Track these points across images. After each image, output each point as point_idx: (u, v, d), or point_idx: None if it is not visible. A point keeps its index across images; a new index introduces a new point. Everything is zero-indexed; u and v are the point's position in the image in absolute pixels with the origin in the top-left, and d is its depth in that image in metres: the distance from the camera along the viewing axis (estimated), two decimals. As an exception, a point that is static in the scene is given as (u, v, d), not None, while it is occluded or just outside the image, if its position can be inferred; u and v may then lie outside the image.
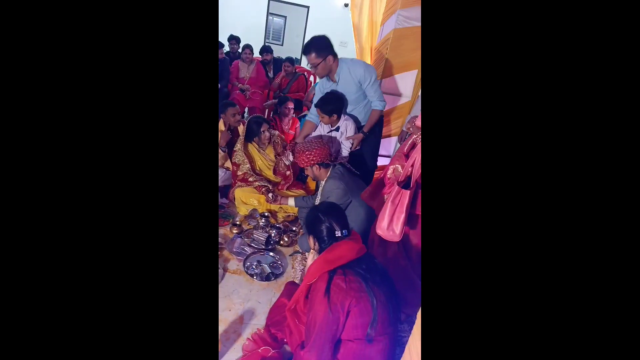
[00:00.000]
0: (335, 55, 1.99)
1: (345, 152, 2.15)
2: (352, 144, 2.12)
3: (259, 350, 1.22)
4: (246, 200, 2.20)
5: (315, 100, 2.15)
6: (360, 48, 2.47)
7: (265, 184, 2.24)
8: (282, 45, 8.26)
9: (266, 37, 6.53)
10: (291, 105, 2.86)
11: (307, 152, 1.79)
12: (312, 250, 1.21)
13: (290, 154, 2.34)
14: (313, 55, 1.93)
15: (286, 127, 2.82)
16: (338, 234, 1.11)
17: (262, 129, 2.29)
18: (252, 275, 1.71)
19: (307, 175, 2.44)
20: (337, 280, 0.98)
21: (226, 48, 4.41)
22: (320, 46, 1.93)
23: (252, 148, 2.36)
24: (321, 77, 2.12)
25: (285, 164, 2.37)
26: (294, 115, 2.98)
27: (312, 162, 1.81)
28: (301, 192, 2.32)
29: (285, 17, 8.06)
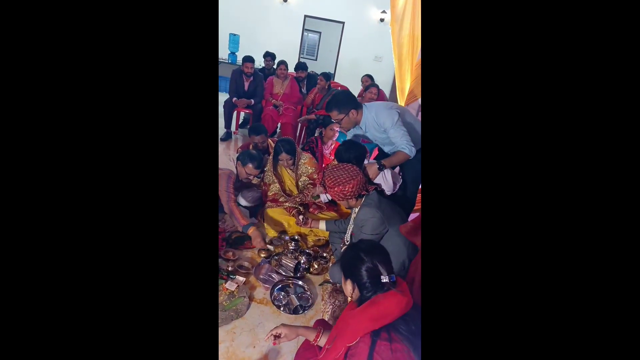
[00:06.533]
0: (358, 106, 1.91)
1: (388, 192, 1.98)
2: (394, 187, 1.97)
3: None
4: (276, 221, 2.11)
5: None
6: (399, 64, 2.34)
7: (296, 206, 2.14)
8: (316, 60, 8.35)
9: (301, 52, 6.60)
10: (337, 127, 2.70)
11: (339, 187, 1.62)
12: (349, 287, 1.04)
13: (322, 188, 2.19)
14: (335, 112, 1.88)
15: (327, 151, 2.67)
16: (384, 279, 0.92)
17: (279, 158, 2.17)
18: (278, 307, 1.59)
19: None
20: (382, 347, 0.82)
21: (261, 64, 4.48)
22: (341, 102, 1.88)
23: (282, 168, 2.28)
24: (347, 131, 2.04)
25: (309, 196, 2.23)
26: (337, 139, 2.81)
27: (347, 197, 1.64)
28: (333, 214, 2.20)
29: (320, 32, 8.17)
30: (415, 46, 2.18)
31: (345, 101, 1.88)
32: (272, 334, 1.18)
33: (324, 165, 2.49)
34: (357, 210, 1.75)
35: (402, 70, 2.31)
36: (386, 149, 2.04)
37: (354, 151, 1.89)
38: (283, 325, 1.21)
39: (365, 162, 1.90)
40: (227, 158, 2.19)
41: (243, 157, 2.04)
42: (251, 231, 1.88)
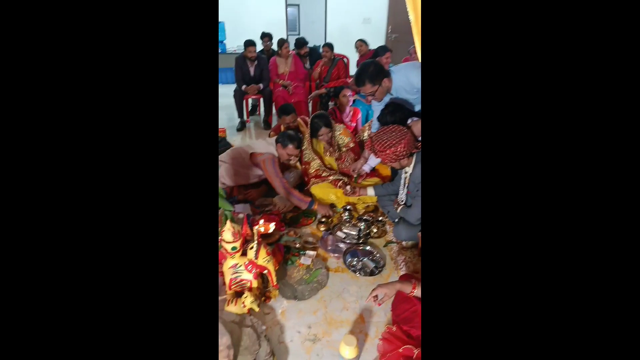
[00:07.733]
0: (388, 74, 1.88)
1: None
2: None
3: (400, 351, 1.17)
4: (324, 196, 2.15)
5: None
6: (416, 16, 2.28)
7: (341, 177, 2.18)
8: (299, 34, 8.11)
9: (287, 27, 6.41)
10: (348, 92, 2.70)
11: (391, 149, 1.62)
12: None
13: (371, 154, 2.19)
14: (368, 85, 1.84)
15: (347, 119, 2.68)
16: None
17: (319, 134, 2.20)
18: (354, 272, 1.66)
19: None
20: None
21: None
22: (372, 74, 1.83)
23: (319, 144, 2.30)
24: (380, 101, 2.00)
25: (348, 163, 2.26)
26: (353, 105, 2.82)
27: (400, 157, 1.65)
28: (376, 179, 2.23)
29: (298, 5, 7.88)
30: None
31: (376, 72, 1.85)
32: (372, 297, 1.25)
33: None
34: (409, 169, 1.79)
35: (419, 23, 2.25)
36: (417, 109, 2.05)
37: (399, 113, 1.89)
38: (380, 285, 1.27)
39: (409, 121, 1.91)
40: (265, 143, 2.19)
41: (283, 138, 2.05)
42: (316, 206, 2.01)
